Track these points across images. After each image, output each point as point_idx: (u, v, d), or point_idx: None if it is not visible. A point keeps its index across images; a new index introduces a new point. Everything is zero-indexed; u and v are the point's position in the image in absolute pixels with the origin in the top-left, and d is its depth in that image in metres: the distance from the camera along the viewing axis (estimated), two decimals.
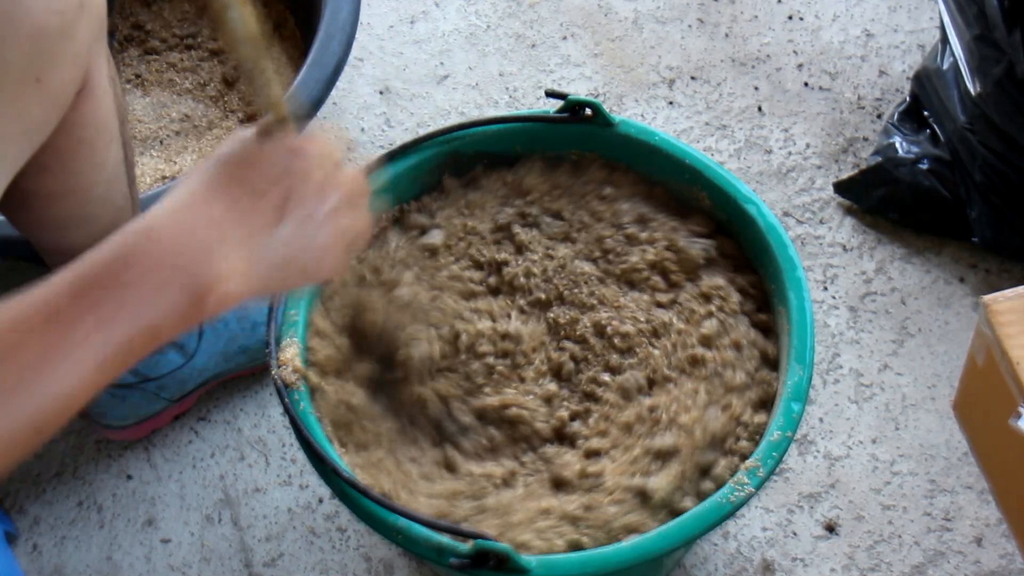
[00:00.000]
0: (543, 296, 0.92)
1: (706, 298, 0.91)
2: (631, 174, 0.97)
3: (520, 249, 0.95)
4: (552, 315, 0.91)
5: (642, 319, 0.90)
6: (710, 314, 0.89)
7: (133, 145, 0.98)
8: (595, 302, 0.91)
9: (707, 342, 0.88)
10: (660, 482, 0.81)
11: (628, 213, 0.95)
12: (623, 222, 0.95)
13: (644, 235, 0.94)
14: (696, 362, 0.87)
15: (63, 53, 0.73)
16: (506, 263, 0.94)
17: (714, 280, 0.91)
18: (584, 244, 0.95)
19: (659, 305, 0.91)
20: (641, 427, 0.85)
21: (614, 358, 0.89)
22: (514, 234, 0.95)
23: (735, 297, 0.90)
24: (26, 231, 0.92)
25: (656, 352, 0.88)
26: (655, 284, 0.92)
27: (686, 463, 0.82)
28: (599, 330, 0.90)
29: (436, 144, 0.97)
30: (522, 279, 0.93)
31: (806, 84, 1.36)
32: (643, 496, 0.80)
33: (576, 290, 0.92)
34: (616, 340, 0.89)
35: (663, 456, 0.82)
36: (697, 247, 0.92)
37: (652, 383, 0.87)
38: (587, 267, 0.93)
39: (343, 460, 0.81)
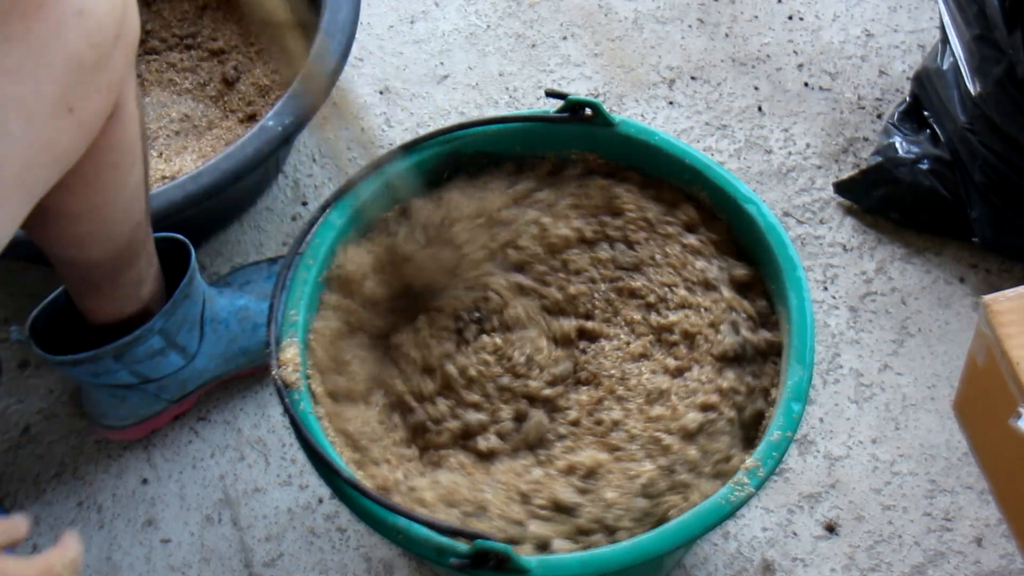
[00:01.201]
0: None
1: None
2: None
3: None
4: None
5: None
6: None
7: (150, 159, 0.98)
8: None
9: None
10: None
11: (698, 272, 0.94)
12: (689, 278, 0.94)
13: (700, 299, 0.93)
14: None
15: (97, 84, 0.74)
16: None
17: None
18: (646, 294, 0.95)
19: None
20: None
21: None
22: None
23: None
24: (44, 246, 0.92)
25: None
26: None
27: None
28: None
29: (436, 144, 0.96)
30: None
31: (806, 84, 1.36)
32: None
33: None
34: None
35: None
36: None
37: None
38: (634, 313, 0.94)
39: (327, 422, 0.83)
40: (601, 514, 0.80)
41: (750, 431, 0.85)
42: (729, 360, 0.88)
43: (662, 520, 0.79)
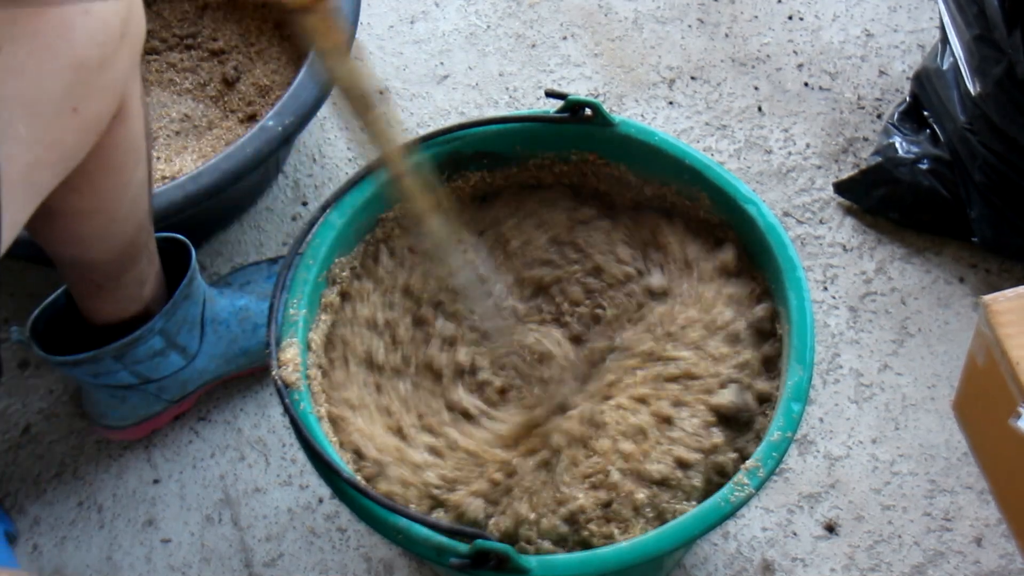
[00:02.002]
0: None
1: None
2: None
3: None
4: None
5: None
6: None
7: (154, 158, 0.98)
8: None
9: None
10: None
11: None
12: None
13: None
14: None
15: (102, 84, 0.74)
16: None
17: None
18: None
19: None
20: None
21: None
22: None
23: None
24: (46, 245, 0.92)
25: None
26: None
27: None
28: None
29: (436, 144, 0.96)
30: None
31: (806, 84, 1.36)
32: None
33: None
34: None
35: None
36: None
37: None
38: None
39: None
40: (511, 527, 0.80)
41: (714, 487, 0.82)
42: (725, 418, 0.85)
43: (585, 544, 0.79)
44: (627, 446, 0.83)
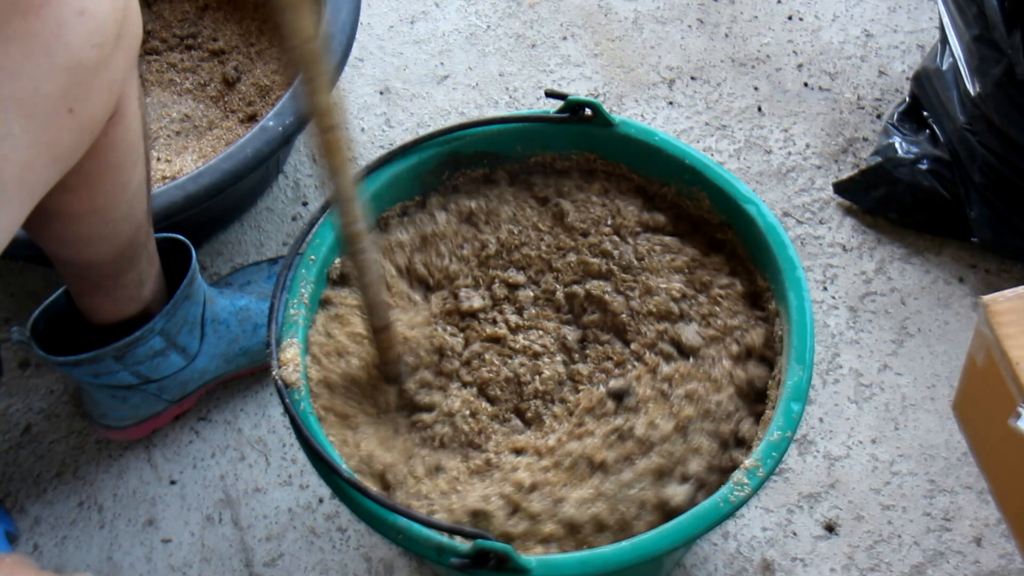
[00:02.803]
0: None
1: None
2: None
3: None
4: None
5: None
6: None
7: (152, 159, 0.98)
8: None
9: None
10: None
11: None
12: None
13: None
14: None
15: (98, 84, 0.74)
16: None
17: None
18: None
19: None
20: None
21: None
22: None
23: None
24: (45, 245, 0.92)
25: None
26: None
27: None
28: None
29: (436, 144, 0.97)
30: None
31: (806, 84, 1.36)
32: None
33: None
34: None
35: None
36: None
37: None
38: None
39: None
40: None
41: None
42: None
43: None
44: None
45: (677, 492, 0.81)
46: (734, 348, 0.88)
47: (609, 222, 0.95)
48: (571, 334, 0.92)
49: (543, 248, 0.95)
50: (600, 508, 0.81)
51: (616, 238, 0.95)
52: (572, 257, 0.95)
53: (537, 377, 0.89)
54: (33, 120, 0.70)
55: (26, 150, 0.71)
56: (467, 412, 0.88)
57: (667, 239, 0.94)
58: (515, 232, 0.96)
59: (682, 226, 0.97)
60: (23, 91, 0.68)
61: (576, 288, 0.93)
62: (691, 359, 0.88)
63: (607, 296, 0.92)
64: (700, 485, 0.82)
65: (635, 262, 0.93)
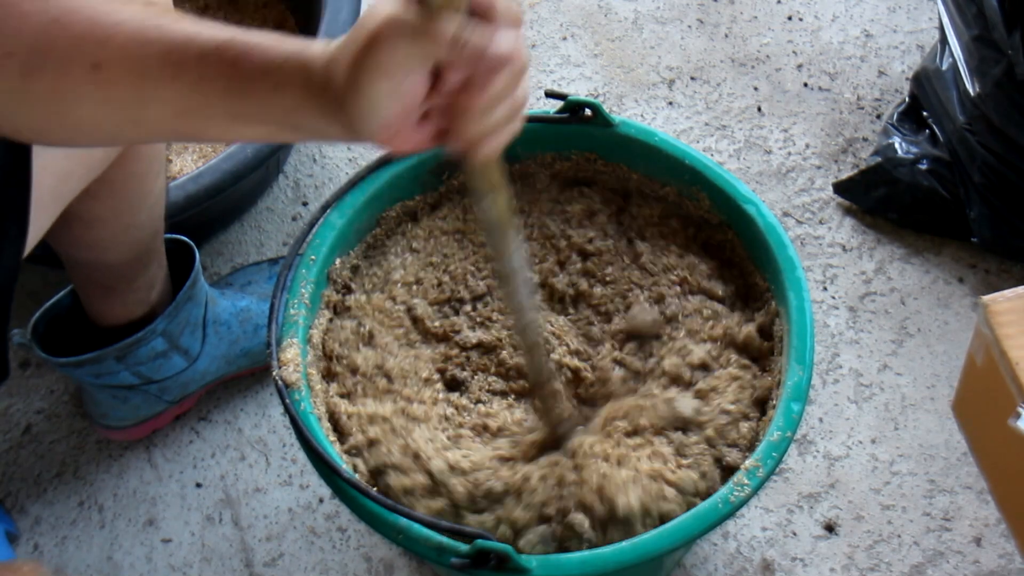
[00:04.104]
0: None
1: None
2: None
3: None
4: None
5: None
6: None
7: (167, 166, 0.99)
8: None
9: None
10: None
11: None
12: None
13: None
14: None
15: None
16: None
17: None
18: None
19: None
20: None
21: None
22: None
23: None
24: (61, 248, 0.92)
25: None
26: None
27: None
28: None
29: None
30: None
31: (806, 84, 1.36)
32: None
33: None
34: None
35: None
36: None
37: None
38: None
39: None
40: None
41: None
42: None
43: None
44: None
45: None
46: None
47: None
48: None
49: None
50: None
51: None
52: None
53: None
54: None
55: (63, 161, 0.72)
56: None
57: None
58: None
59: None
60: None
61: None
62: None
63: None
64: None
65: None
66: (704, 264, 0.93)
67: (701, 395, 0.85)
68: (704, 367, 0.87)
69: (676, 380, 0.87)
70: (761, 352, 0.88)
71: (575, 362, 0.90)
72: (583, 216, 0.97)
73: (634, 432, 0.84)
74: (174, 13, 0.58)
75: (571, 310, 0.94)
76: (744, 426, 0.84)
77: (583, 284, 0.94)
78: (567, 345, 0.91)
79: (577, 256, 0.96)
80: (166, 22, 0.56)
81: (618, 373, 0.89)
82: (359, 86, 0.55)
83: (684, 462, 0.82)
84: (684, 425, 0.84)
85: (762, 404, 0.86)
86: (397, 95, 0.55)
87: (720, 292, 0.91)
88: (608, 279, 0.94)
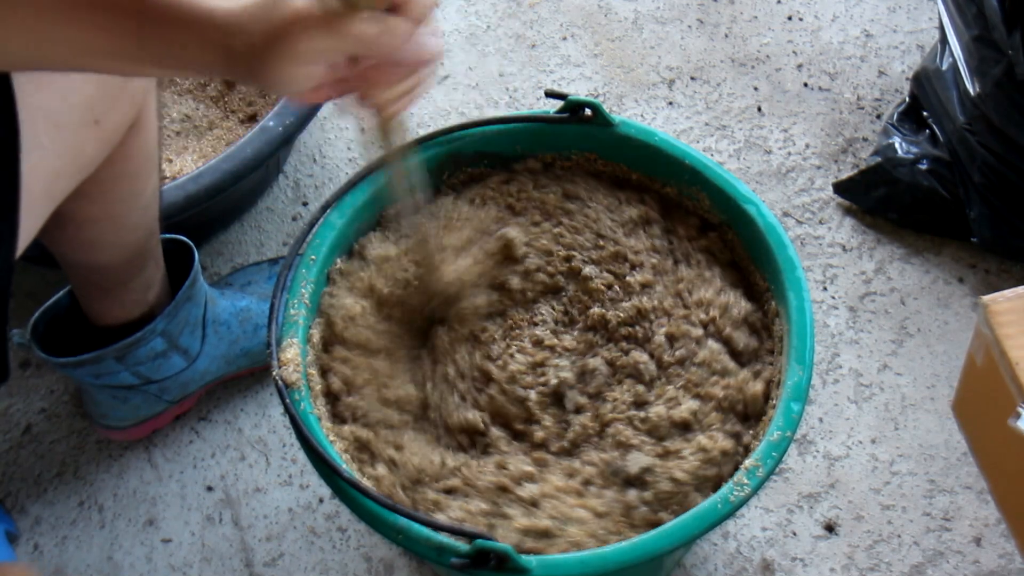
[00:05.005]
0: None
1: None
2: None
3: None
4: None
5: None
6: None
7: (162, 165, 1.00)
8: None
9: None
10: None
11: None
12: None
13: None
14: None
15: (123, 96, 0.74)
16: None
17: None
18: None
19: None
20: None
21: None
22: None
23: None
24: (56, 248, 0.92)
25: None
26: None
27: None
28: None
29: (436, 144, 0.97)
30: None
31: (806, 84, 1.36)
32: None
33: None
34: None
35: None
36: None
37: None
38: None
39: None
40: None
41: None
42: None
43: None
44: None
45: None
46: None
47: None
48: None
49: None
50: None
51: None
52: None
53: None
54: (61, 131, 0.70)
55: (53, 160, 0.72)
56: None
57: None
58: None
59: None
60: (52, 103, 0.69)
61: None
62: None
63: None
64: None
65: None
66: (742, 301, 0.89)
67: (660, 454, 0.83)
68: (685, 426, 0.84)
69: (652, 431, 0.84)
70: (759, 411, 0.85)
71: (578, 399, 0.87)
72: (640, 223, 0.95)
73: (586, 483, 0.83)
74: None
75: (578, 327, 0.92)
76: (693, 497, 0.81)
77: (608, 307, 0.91)
78: (565, 376, 0.88)
79: (617, 264, 0.92)
80: None
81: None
82: (270, 66, 0.57)
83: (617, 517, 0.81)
84: (631, 482, 0.82)
85: (717, 483, 0.82)
86: (307, 77, 0.59)
87: (741, 345, 0.87)
88: (637, 301, 0.91)
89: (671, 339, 0.88)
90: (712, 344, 0.87)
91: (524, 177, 0.98)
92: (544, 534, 0.78)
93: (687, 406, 0.84)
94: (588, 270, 0.92)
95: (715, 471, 0.81)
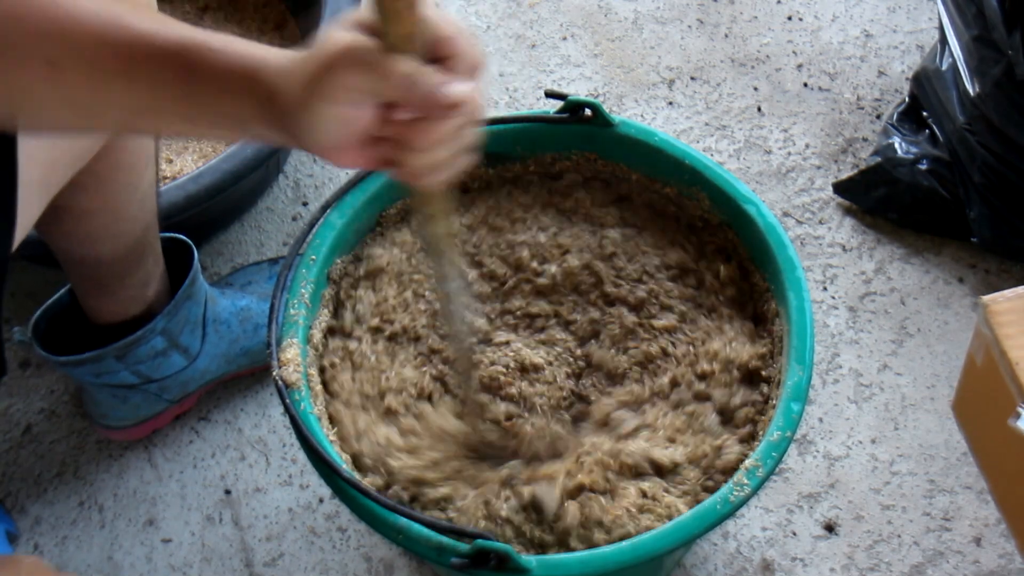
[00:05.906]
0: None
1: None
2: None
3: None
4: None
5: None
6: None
7: (160, 160, 1.00)
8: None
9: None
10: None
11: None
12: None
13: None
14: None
15: None
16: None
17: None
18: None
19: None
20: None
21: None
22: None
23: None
24: (54, 242, 0.92)
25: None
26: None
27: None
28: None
29: None
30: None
31: (806, 84, 1.36)
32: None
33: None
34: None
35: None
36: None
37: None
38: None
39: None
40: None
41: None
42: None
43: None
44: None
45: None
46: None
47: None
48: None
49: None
50: None
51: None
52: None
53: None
54: None
55: (50, 150, 0.72)
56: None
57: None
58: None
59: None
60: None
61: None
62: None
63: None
64: None
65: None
66: (750, 346, 0.89)
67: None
68: (659, 471, 0.83)
69: (627, 471, 0.83)
70: (732, 469, 0.83)
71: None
72: (664, 247, 0.94)
73: None
74: (139, 8, 0.59)
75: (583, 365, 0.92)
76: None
77: (607, 348, 0.91)
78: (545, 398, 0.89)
79: (625, 307, 0.92)
80: (127, 19, 0.57)
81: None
82: (308, 106, 0.56)
83: None
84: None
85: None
86: (343, 121, 0.57)
87: (736, 403, 0.86)
88: (642, 341, 0.91)
89: (673, 386, 0.88)
90: (701, 405, 0.86)
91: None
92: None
93: (661, 456, 0.83)
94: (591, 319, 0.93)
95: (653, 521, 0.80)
